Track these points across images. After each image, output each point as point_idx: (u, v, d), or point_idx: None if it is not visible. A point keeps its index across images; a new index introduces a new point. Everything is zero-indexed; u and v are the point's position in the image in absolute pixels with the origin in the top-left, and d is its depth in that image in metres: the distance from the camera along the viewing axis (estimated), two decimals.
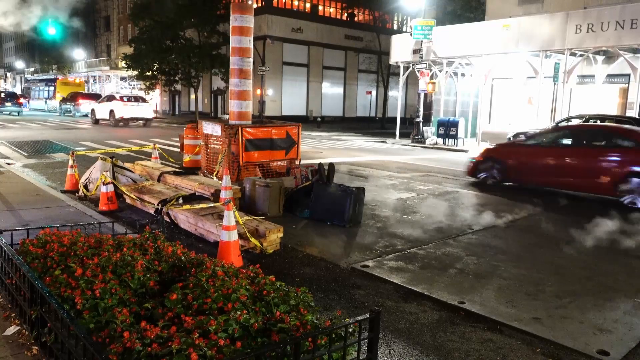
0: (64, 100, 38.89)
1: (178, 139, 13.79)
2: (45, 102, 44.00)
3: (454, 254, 5.67)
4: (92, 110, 29.66)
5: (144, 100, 29.47)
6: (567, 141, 10.22)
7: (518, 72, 20.65)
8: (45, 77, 56.16)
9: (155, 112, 44.21)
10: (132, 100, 27.98)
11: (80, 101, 34.87)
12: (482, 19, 24.85)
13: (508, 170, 10.32)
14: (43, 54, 57.69)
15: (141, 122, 27.77)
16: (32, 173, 10.65)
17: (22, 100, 39.02)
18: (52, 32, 31.19)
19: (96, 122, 28.86)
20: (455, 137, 21.44)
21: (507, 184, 10.49)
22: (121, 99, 27.57)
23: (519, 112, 21.02)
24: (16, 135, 20.33)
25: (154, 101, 45.49)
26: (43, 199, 7.61)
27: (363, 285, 4.65)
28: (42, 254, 3.63)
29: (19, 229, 4.54)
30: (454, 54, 21.77)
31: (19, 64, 73.57)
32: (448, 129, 21.65)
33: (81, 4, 38.01)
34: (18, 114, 35.16)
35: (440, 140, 22.20)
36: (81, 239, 3.86)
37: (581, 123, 14.64)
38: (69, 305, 2.86)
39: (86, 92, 39.78)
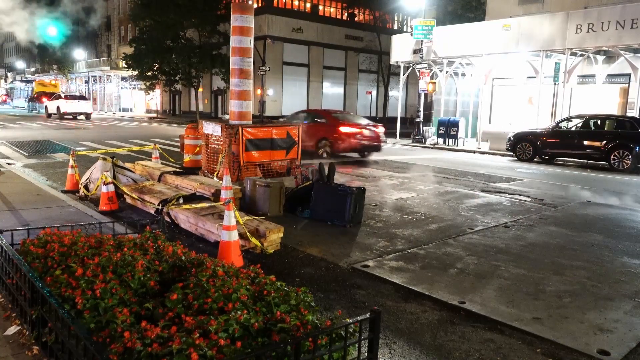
0: (31, 99, 45.27)
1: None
2: (25, 100, 50.28)
3: (454, 253, 5.66)
4: (46, 106, 36.28)
5: (84, 98, 37.45)
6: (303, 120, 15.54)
7: (518, 72, 20.66)
8: (26, 79, 61.02)
9: (156, 112, 45.21)
10: (75, 98, 35.57)
11: (43, 99, 40.18)
12: (483, 19, 24.89)
13: None
14: (44, 54, 58.20)
15: (83, 116, 34.72)
16: (32, 173, 10.66)
17: None
18: (52, 32, 33.11)
19: (49, 116, 35.17)
20: (455, 137, 21.46)
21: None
22: (65, 97, 35.22)
23: (519, 112, 21.05)
24: (17, 135, 20.39)
25: (154, 101, 46.25)
26: (44, 199, 7.61)
27: (363, 285, 4.65)
28: (42, 254, 3.62)
29: (19, 229, 4.55)
30: (454, 54, 21.78)
31: (20, 64, 73.94)
32: (448, 128, 21.66)
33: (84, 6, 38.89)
34: None
35: (440, 140, 22.22)
36: (82, 239, 3.85)
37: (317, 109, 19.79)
38: (69, 305, 2.85)
39: (50, 91, 44.22)
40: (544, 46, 18.51)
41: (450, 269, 5.14)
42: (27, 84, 51.67)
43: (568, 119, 16.55)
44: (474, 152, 19.77)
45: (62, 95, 36.35)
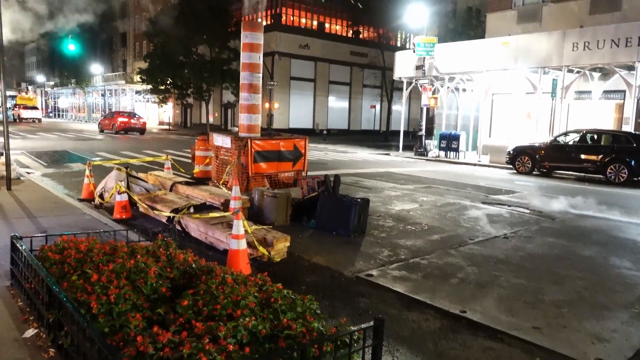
0: (11, 109, 58.45)
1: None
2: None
3: (455, 263, 5.76)
4: (12, 114, 49.68)
5: (36, 108, 52.63)
6: None
7: (517, 87, 20.85)
8: (11, 93, 69.87)
9: (168, 124, 47.20)
10: (30, 108, 50.55)
11: (15, 109, 53.16)
12: (482, 37, 25.13)
13: None
14: (62, 68, 60.12)
15: (37, 120, 48.74)
16: (50, 182, 10.90)
17: None
18: (71, 48, 35.46)
19: (14, 120, 47.05)
20: (456, 150, 21.60)
21: None
22: (23, 107, 50.09)
23: (518, 126, 21.16)
24: (36, 145, 20.76)
25: (167, 114, 48.59)
26: (60, 207, 7.81)
27: (367, 294, 4.74)
28: (59, 259, 3.70)
29: (38, 236, 4.66)
30: (455, 70, 22.02)
31: (40, 78, 75.95)
32: (450, 142, 21.82)
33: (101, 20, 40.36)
34: None
35: (442, 153, 22.35)
36: (97, 246, 3.94)
37: (116, 111, 35.69)
38: (84, 310, 2.92)
39: (29, 105, 53.77)
40: (541, 63, 18.74)
41: (451, 278, 5.23)
42: (12, 99, 61.23)
43: (566, 134, 16.69)
44: (475, 164, 19.86)
45: (21, 106, 50.69)
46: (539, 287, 5.03)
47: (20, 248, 3.93)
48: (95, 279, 3.25)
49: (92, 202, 8.35)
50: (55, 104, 75.47)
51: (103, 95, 60.43)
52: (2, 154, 10.60)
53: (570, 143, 15.87)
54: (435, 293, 4.77)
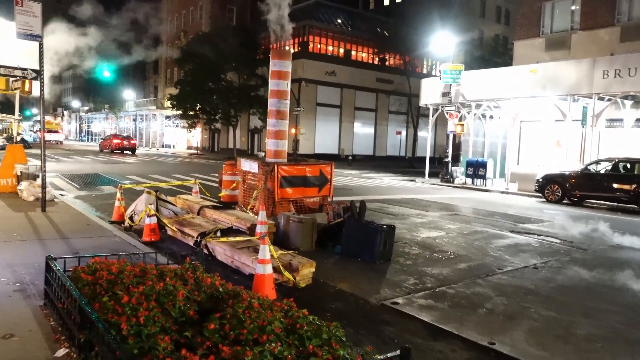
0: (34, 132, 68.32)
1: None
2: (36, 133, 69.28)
3: (483, 293, 5.66)
4: (36, 137, 56.48)
5: (58, 132, 58.27)
6: None
7: (546, 115, 20.59)
8: (37, 119, 75.01)
9: (196, 148, 49.10)
10: (52, 131, 54.28)
11: (38, 133, 58.25)
12: (509, 64, 25.07)
13: None
14: (97, 94, 62.84)
15: (59, 142, 54.44)
16: (82, 204, 11.24)
17: None
18: (106, 75, 38.10)
19: (37, 142, 49.41)
20: (484, 177, 21.34)
21: None
22: (47, 131, 52.40)
23: (547, 154, 20.83)
24: (70, 168, 21.51)
25: (195, 138, 50.64)
26: (92, 229, 8.03)
27: (393, 322, 4.70)
28: (92, 280, 3.76)
29: (71, 257, 4.78)
30: (482, 97, 21.94)
31: (75, 103, 79.98)
32: (477, 169, 21.59)
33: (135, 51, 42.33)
34: None
35: (469, 180, 22.10)
36: (128, 268, 3.98)
37: (113, 134, 47.49)
38: (115, 331, 2.95)
39: (52, 129, 58.51)
40: (570, 91, 18.51)
41: (479, 308, 5.14)
42: (35, 123, 68.17)
43: (597, 162, 16.32)
44: (502, 192, 19.55)
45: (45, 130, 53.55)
46: (571, 321, 4.89)
47: (54, 268, 4.03)
48: (125, 301, 3.28)
49: (122, 224, 8.55)
50: (89, 128, 78.68)
51: (134, 120, 62.86)
52: (38, 176, 11.04)
53: (602, 172, 15.50)
54: (463, 323, 4.68)
